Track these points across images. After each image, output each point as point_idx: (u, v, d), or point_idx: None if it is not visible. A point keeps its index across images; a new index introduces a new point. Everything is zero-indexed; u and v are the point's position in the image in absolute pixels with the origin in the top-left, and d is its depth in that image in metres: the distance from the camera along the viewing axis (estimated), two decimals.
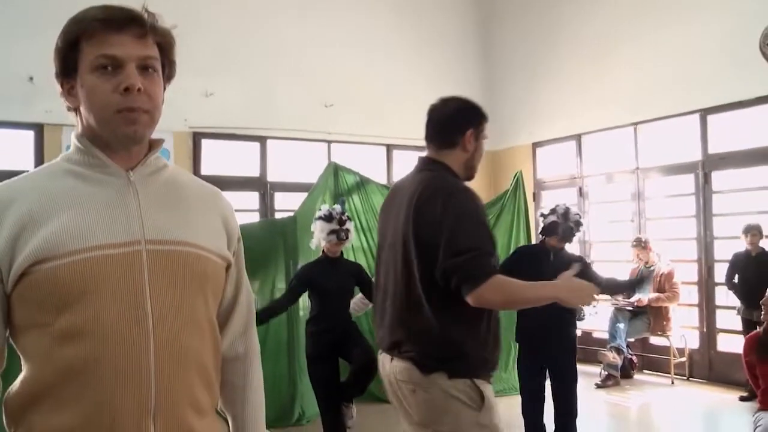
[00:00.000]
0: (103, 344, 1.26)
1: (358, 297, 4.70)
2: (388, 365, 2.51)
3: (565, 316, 4.27)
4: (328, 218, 4.50)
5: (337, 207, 4.71)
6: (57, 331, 1.27)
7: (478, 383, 2.40)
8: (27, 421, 1.31)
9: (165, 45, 1.40)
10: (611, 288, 4.58)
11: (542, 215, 4.65)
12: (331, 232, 4.46)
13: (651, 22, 7.48)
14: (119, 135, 1.35)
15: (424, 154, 2.69)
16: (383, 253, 2.65)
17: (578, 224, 4.44)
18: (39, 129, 6.66)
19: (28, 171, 1.47)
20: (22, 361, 1.35)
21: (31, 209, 1.30)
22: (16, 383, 1.34)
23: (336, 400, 4.49)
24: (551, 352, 4.41)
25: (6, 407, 1.35)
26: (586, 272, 4.03)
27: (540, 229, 4.61)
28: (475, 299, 2.30)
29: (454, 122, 2.60)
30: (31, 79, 6.40)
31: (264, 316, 4.34)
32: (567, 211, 4.45)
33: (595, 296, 2.54)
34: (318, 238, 4.56)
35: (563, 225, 4.38)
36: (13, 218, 1.30)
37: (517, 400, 4.63)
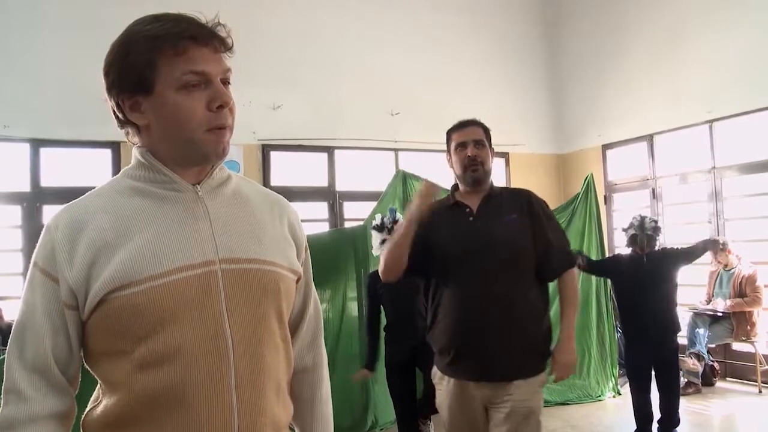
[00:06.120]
0: (185, 370, 1.23)
1: None
2: None
3: (669, 308, 4.77)
4: (379, 228, 4.53)
5: (388, 215, 4.66)
6: (137, 359, 1.24)
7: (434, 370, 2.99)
8: None
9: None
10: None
11: (623, 230, 5.09)
12: (383, 241, 4.48)
13: (724, 14, 7.19)
14: (206, 153, 1.31)
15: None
16: None
17: (656, 229, 4.90)
18: (116, 147, 6.88)
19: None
20: (102, 387, 1.32)
21: (105, 233, 1.26)
22: (98, 408, 1.31)
23: (412, 413, 4.49)
24: (657, 343, 4.71)
25: (84, 429, 1.33)
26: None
27: (626, 243, 5.07)
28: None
29: None
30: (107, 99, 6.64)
31: (371, 334, 4.62)
32: (642, 221, 4.92)
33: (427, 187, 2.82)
34: (375, 246, 4.60)
35: (641, 236, 4.85)
36: (86, 243, 1.26)
37: (592, 407, 4.57)
